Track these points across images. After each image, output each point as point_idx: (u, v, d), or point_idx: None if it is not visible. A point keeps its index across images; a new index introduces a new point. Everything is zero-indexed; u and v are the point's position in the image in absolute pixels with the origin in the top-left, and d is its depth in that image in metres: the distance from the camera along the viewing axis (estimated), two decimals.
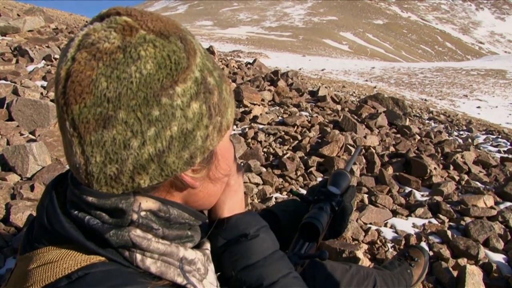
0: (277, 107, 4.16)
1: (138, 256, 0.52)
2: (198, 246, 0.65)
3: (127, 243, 0.51)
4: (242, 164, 2.47)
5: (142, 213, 0.52)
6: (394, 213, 2.15)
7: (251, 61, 8.64)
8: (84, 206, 0.52)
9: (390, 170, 2.69)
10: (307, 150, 2.90)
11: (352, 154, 1.41)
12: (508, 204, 2.25)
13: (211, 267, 0.65)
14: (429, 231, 1.96)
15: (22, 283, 0.50)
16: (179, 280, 0.55)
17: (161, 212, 0.55)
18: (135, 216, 0.52)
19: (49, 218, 0.53)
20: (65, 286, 0.47)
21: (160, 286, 0.53)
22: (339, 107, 4.57)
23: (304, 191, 2.33)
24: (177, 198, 0.60)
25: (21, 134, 2.65)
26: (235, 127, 3.42)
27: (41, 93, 3.47)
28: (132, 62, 0.47)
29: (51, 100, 3.22)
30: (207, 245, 0.67)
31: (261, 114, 3.64)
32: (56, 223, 0.52)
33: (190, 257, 0.58)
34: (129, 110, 0.47)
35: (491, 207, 2.18)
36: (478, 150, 3.67)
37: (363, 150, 3.02)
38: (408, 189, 2.45)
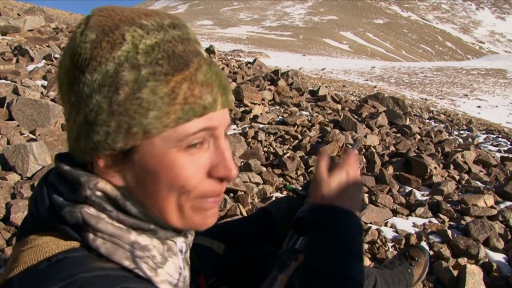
0: (278, 107, 4.15)
1: (90, 236, 0.53)
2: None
3: (78, 220, 0.53)
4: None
5: (97, 192, 0.54)
6: (395, 213, 2.15)
7: (251, 61, 8.64)
8: (56, 181, 0.57)
9: (390, 169, 2.69)
10: (308, 150, 2.90)
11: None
12: (508, 203, 2.25)
13: (175, 261, 0.61)
14: (429, 230, 1.96)
15: (10, 265, 0.54)
16: (127, 263, 0.53)
17: (117, 202, 0.55)
18: (88, 192, 0.54)
19: (37, 206, 0.57)
20: (44, 268, 0.50)
21: (108, 268, 0.52)
22: (339, 106, 4.57)
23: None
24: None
25: (21, 134, 2.65)
26: (235, 126, 3.42)
27: (42, 93, 3.47)
28: (63, 54, 0.57)
29: (52, 100, 3.22)
30: (178, 239, 0.63)
31: (261, 114, 3.64)
32: (43, 211, 0.55)
33: (143, 242, 0.56)
34: (65, 93, 0.56)
35: (492, 207, 2.18)
36: (479, 150, 3.66)
37: (363, 150, 3.02)
38: (408, 189, 2.45)
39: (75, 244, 0.53)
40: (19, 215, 1.73)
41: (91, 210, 0.53)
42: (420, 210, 2.12)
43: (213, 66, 0.58)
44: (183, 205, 0.58)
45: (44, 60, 4.71)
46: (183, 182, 0.56)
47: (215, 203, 0.63)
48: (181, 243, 0.63)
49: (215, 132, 0.58)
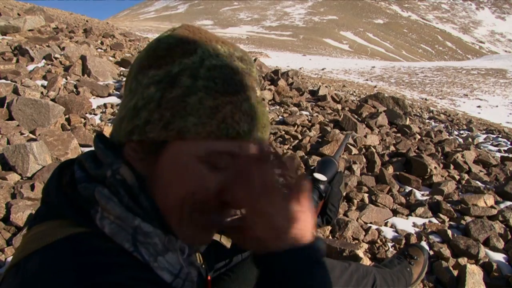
0: (278, 107, 4.15)
1: (98, 215, 0.56)
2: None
3: (90, 197, 0.57)
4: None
5: (117, 176, 0.58)
6: (395, 213, 2.15)
7: None
8: (84, 158, 0.63)
9: (390, 169, 2.69)
10: (308, 150, 2.90)
11: (341, 142, 1.40)
12: (508, 203, 2.25)
13: (175, 254, 0.62)
14: (429, 230, 1.96)
15: (18, 250, 0.57)
16: (127, 245, 0.55)
17: (132, 190, 0.58)
18: (109, 172, 0.59)
19: (49, 194, 0.61)
20: (49, 252, 0.53)
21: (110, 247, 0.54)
22: (339, 106, 4.57)
23: None
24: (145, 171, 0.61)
25: (22, 134, 2.65)
26: None
27: (42, 93, 3.47)
28: (144, 48, 0.65)
29: (52, 100, 3.22)
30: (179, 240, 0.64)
31: None
32: (54, 199, 0.59)
33: (146, 229, 0.58)
34: (130, 80, 0.64)
35: (492, 207, 2.18)
36: (479, 150, 3.66)
37: (364, 150, 3.02)
38: (408, 189, 2.45)
39: (81, 229, 0.55)
40: (19, 215, 1.73)
41: (104, 191, 0.57)
42: (420, 210, 2.12)
43: (261, 104, 0.64)
44: (183, 214, 0.61)
45: (44, 60, 4.71)
46: (194, 189, 0.60)
47: (215, 222, 0.64)
48: (182, 244, 0.64)
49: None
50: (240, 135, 0.60)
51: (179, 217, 0.61)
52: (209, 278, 0.85)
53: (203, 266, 0.84)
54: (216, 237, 1.03)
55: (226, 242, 1.04)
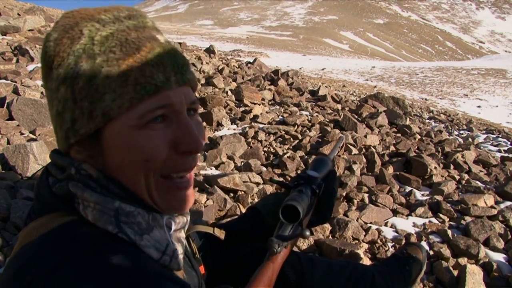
0: (278, 107, 4.15)
1: (81, 206, 0.58)
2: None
3: (67, 192, 0.59)
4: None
5: (82, 172, 0.60)
6: (395, 213, 2.15)
7: (251, 61, 8.63)
8: (50, 167, 0.65)
9: (390, 169, 2.69)
10: (308, 150, 2.90)
11: (335, 144, 1.41)
12: (508, 203, 2.25)
13: (162, 233, 0.63)
14: (429, 230, 1.96)
15: (17, 244, 0.59)
16: (110, 228, 0.56)
17: (100, 182, 0.60)
18: (73, 170, 0.60)
19: (40, 190, 0.63)
20: (42, 241, 0.55)
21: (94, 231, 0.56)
22: (339, 106, 4.57)
23: None
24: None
25: (22, 134, 2.65)
26: (235, 126, 3.42)
27: (42, 93, 3.47)
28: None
29: None
30: (164, 216, 0.65)
31: (261, 114, 3.64)
32: (45, 194, 0.62)
33: (127, 209, 0.59)
34: (44, 91, 0.64)
35: (492, 207, 2.18)
36: (479, 150, 3.66)
37: (364, 150, 3.02)
38: (408, 189, 2.45)
39: (72, 218, 0.58)
40: (19, 215, 1.73)
41: (77, 183, 0.59)
42: (420, 210, 2.12)
43: (168, 48, 0.63)
44: (149, 185, 0.62)
45: None
46: (147, 156, 0.59)
47: (184, 183, 0.66)
48: (167, 219, 0.66)
49: (174, 108, 0.61)
50: (161, 87, 0.59)
51: (147, 190, 0.62)
52: (202, 270, 0.86)
53: (197, 256, 0.85)
54: (209, 229, 1.04)
55: (220, 234, 1.05)
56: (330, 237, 1.86)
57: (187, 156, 0.64)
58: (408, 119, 4.20)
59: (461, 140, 4.58)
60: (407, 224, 2.02)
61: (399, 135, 3.71)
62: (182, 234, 0.71)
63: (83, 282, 0.48)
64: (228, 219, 1.88)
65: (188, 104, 0.64)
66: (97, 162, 0.61)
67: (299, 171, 2.59)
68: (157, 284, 0.52)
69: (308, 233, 0.89)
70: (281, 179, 2.47)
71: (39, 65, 4.46)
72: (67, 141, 0.61)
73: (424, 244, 1.81)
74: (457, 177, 2.68)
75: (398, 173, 2.61)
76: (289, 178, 2.49)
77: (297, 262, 1.11)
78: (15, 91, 3.18)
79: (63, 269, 0.49)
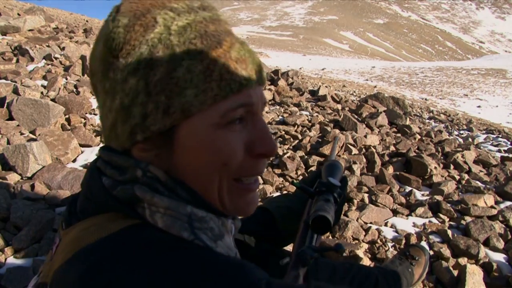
0: (278, 107, 4.15)
1: (147, 211, 0.53)
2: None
3: (133, 197, 0.53)
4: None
5: (149, 174, 0.55)
6: (395, 213, 2.15)
7: None
8: (103, 166, 0.58)
9: (390, 169, 2.69)
10: (308, 150, 2.90)
11: (332, 147, 1.39)
12: (508, 203, 2.25)
13: (229, 238, 0.60)
14: (429, 230, 1.96)
15: (68, 249, 0.52)
16: (186, 234, 0.52)
17: (168, 185, 0.55)
18: (139, 172, 0.54)
19: (91, 189, 0.58)
20: (107, 242, 0.50)
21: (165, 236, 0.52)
22: (339, 106, 4.57)
23: None
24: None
25: (22, 134, 2.65)
26: None
27: (42, 93, 3.47)
28: (96, 42, 0.58)
29: (52, 100, 3.22)
30: (228, 219, 0.63)
31: None
32: (98, 193, 0.56)
33: (199, 214, 0.55)
34: (99, 82, 0.57)
35: (492, 207, 2.18)
36: (479, 150, 3.66)
37: (364, 150, 3.02)
38: (408, 189, 2.45)
39: (135, 221, 0.53)
40: (19, 215, 1.73)
41: (143, 187, 0.54)
42: (420, 210, 2.12)
43: (245, 44, 0.59)
44: (222, 188, 0.58)
45: (44, 60, 4.71)
46: (225, 159, 0.56)
47: (254, 185, 0.63)
48: (231, 224, 0.63)
49: (253, 108, 0.58)
50: (244, 85, 0.55)
51: (218, 194, 0.58)
52: None
53: None
54: (240, 236, 1.03)
55: (250, 241, 1.04)
56: (330, 237, 1.86)
57: (261, 160, 0.60)
58: (408, 119, 4.20)
59: (461, 140, 4.59)
60: (407, 224, 2.02)
61: (399, 135, 3.71)
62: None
63: (176, 274, 0.45)
64: None
65: (263, 105, 0.61)
66: (163, 163, 0.56)
67: (299, 171, 2.59)
68: (247, 271, 0.49)
69: (343, 248, 0.88)
70: (281, 179, 2.47)
71: (39, 65, 4.47)
72: (132, 137, 0.55)
73: (424, 244, 1.81)
74: (457, 177, 2.68)
75: (398, 173, 2.61)
76: (289, 178, 2.49)
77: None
78: (15, 91, 3.18)
79: (143, 271, 0.45)
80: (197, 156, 0.55)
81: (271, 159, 2.75)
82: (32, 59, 4.60)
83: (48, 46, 5.25)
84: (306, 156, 2.78)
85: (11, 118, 2.79)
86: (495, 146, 4.35)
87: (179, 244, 0.51)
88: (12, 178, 2.07)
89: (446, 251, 1.75)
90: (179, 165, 0.56)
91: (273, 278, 0.49)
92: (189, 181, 0.56)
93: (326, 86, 5.73)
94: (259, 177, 2.38)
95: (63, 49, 5.26)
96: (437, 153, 3.10)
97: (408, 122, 4.10)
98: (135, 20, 0.53)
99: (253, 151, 0.58)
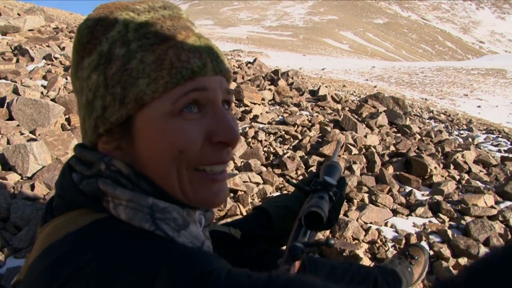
0: (278, 107, 4.15)
1: (111, 204, 0.55)
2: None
3: (97, 190, 0.56)
4: None
5: (112, 167, 0.57)
6: (395, 213, 2.15)
7: (251, 61, 8.63)
8: (74, 163, 0.61)
9: (390, 169, 2.69)
10: (308, 150, 2.90)
11: (335, 149, 1.39)
12: (508, 203, 2.25)
13: (196, 229, 0.61)
14: (429, 230, 1.96)
15: (42, 241, 0.56)
16: (147, 226, 0.54)
17: (131, 179, 0.57)
18: (103, 166, 0.57)
19: (64, 186, 0.60)
20: (77, 236, 0.53)
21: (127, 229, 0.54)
22: (339, 106, 4.57)
23: None
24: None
25: (22, 134, 2.65)
26: None
27: (42, 93, 3.47)
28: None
29: (52, 100, 3.22)
30: (196, 210, 0.63)
31: (261, 114, 3.64)
32: (70, 191, 0.58)
33: (161, 205, 0.56)
34: (73, 83, 0.63)
35: (492, 207, 2.18)
36: (479, 150, 3.66)
37: (364, 150, 3.02)
38: (408, 189, 2.45)
39: (102, 215, 0.55)
40: (19, 215, 1.73)
41: (106, 180, 0.56)
42: (420, 210, 2.12)
43: (203, 37, 0.61)
44: (182, 178, 0.59)
45: (44, 60, 4.71)
46: (180, 147, 0.56)
47: (220, 175, 0.62)
48: (199, 215, 0.64)
49: (210, 96, 0.59)
50: (197, 72, 0.57)
51: (179, 184, 0.59)
52: None
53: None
54: (226, 229, 1.03)
55: (236, 234, 1.04)
56: (330, 237, 1.86)
57: (222, 148, 0.61)
58: (408, 119, 4.19)
59: (461, 140, 4.58)
60: (407, 224, 2.02)
61: (399, 135, 3.71)
62: (207, 232, 0.68)
63: (135, 262, 0.47)
64: (228, 219, 1.88)
65: (224, 94, 0.62)
66: (126, 154, 0.59)
67: (299, 171, 2.59)
68: (205, 259, 0.50)
69: (333, 241, 0.87)
70: (281, 179, 2.47)
71: (39, 65, 4.47)
72: (96, 130, 0.59)
73: (424, 244, 1.81)
74: (457, 177, 2.68)
75: (398, 173, 2.61)
76: (290, 178, 2.49)
77: (301, 264, 1.11)
78: (15, 91, 3.18)
79: (103, 258, 0.48)
80: (153, 145, 0.57)
81: (271, 159, 2.75)
82: (32, 59, 4.60)
83: (48, 46, 5.25)
84: (306, 156, 2.78)
85: (11, 118, 2.79)
86: (495, 146, 4.34)
87: (137, 236, 0.53)
88: (12, 178, 2.07)
89: (446, 251, 1.75)
90: (140, 156, 0.58)
91: (235, 268, 0.50)
92: (150, 172, 0.58)
93: (326, 86, 5.73)
94: (260, 177, 2.38)
95: (63, 49, 5.26)
96: (437, 153, 3.10)
97: (408, 122, 4.10)
98: (98, 21, 0.58)
99: (212, 139, 0.59)
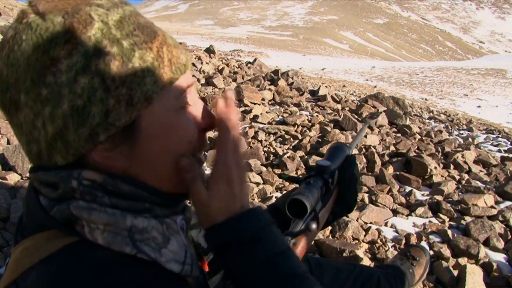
0: (278, 107, 4.15)
1: (86, 229, 0.52)
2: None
3: (70, 216, 0.52)
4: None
5: (84, 182, 0.53)
6: (395, 213, 2.15)
7: (251, 61, 8.63)
8: (38, 185, 0.56)
9: (390, 169, 2.69)
10: (308, 150, 2.90)
11: (360, 131, 1.29)
12: (508, 203, 2.25)
13: (178, 238, 0.59)
14: (429, 230, 1.96)
15: (11, 268, 0.53)
16: (128, 249, 0.52)
17: (108, 186, 0.54)
18: (75, 183, 0.52)
19: (30, 208, 0.57)
20: (47, 266, 0.50)
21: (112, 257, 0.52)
22: (339, 106, 4.57)
23: None
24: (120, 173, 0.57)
25: None
26: None
27: None
28: (17, 48, 0.50)
29: None
30: (177, 217, 0.62)
31: (261, 114, 3.64)
32: (37, 214, 0.55)
33: (140, 225, 0.54)
34: (25, 92, 0.51)
35: (492, 207, 2.18)
36: (479, 150, 3.66)
37: (364, 150, 3.02)
38: (408, 189, 2.45)
39: (74, 239, 0.52)
40: (19, 215, 1.73)
41: (79, 203, 0.52)
42: (420, 210, 2.12)
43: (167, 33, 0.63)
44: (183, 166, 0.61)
45: None
46: (190, 137, 0.60)
47: (204, 158, 0.68)
48: (181, 221, 0.63)
49: (191, 88, 0.63)
50: (186, 66, 0.60)
51: (175, 175, 0.60)
52: (203, 261, 0.83)
53: (199, 248, 0.82)
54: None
55: None
56: (330, 237, 1.86)
57: (205, 134, 0.65)
58: (408, 119, 4.20)
59: (461, 140, 4.58)
60: (407, 224, 2.02)
61: (399, 135, 3.71)
62: (188, 234, 0.68)
63: None
64: None
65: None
66: (125, 161, 0.56)
67: (299, 171, 2.59)
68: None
69: (314, 225, 0.85)
70: (281, 179, 2.47)
71: None
72: (94, 139, 0.52)
73: (424, 244, 1.81)
74: (457, 177, 2.68)
75: (398, 173, 2.61)
76: (282, 173, 2.49)
77: (307, 266, 1.11)
78: None
79: None
80: (163, 141, 0.57)
81: (271, 159, 2.75)
82: None
83: None
84: (306, 156, 2.78)
85: None
86: (495, 146, 4.34)
87: (119, 263, 0.51)
88: (12, 178, 2.07)
89: (446, 251, 1.75)
90: (140, 156, 0.56)
91: None
92: (145, 171, 0.57)
93: (326, 86, 5.73)
94: (260, 177, 2.38)
95: None
96: (437, 153, 3.10)
97: (408, 122, 4.10)
98: (70, 17, 0.50)
99: (200, 125, 0.63)
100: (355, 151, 2.91)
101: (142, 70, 0.53)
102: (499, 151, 4.02)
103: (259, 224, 0.60)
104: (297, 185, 1.03)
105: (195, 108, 0.63)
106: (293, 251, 0.63)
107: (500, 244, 1.82)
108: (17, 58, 0.50)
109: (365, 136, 3.20)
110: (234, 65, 6.89)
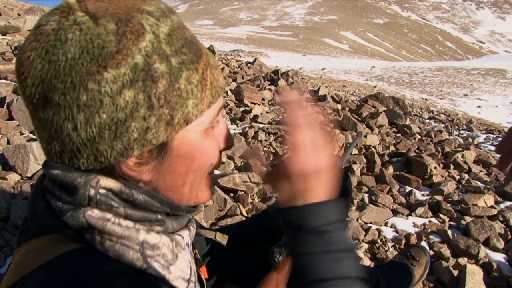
0: (278, 107, 4.15)
1: (97, 238, 0.51)
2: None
3: (83, 224, 0.50)
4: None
5: (101, 191, 0.52)
6: (395, 213, 2.15)
7: (251, 61, 8.64)
8: (51, 186, 0.53)
9: (390, 169, 2.69)
10: None
11: (352, 141, 1.30)
12: (508, 203, 2.25)
13: (185, 255, 0.60)
14: (429, 230, 1.96)
15: (13, 271, 0.53)
16: (139, 264, 0.52)
17: (123, 194, 0.53)
18: (92, 191, 0.51)
19: (36, 211, 0.56)
20: (49, 271, 0.49)
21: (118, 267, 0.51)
22: (339, 106, 4.57)
23: None
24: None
25: (22, 134, 2.65)
26: (235, 126, 3.42)
27: None
28: (60, 45, 0.47)
29: None
30: (184, 233, 0.63)
31: (261, 114, 3.64)
32: (41, 215, 0.54)
33: (152, 241, 0.54)
34: (60, 93, 0.47)
35: (492, 207, 2.18)
36: (479, 150, 3.67)
37: (364, 150, 3.02)
38: (408, 189, 2.45)
39: (78, 245, 0.52)
40: (19, 215, 1.73)
41: (95, 213, 0.51)
42: (420, 210, 2.12)
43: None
44: (197, 182, 0.62)
45: None
46: (213, 159, 0.62)
47: (214, 173, 0.70)
48: (187, 237, 0.64)
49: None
50: (223, 89, 0.59)
51: (192, 189, 0.62)
52: (205, 273, 0.84)
53: (197, 257, 0.83)
54: (211, 234, 1.02)
55: (222, 240, 1.03)
56: None
57: (221, 153, 0.67)
58: (408, 119, 4.20)
59: (461, 140, 4.59)
60: (407, 224, 2.02)
61: (399, 135, 3.71)
62: (191, 248, 0.70)
63: None
64: (229, 219, 1.88)
65: None
66: (151, 177, 0.56)
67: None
68: None
69: None
70: None
71: None
72: (127, 153, 0.51)
73: (424, 244, 1.81)
74: (457, 177, 2.68)
75: (398, 173, 2.61)
76: None
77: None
78: (15, 91, 3.18)
79: None
80: (190, 161, 0.58)
81: (271, 159, 2.75)
82: None
83: None
84: None
85: (11, 118, 2.79)
86: (495, 146, 4.34)
87: (130, 275, 0.52)
88: (12, 178, 2.07)
89: (446, 251, 1.75)
90: (166, 174, 0.57)
91: None
92: (167, 186, 0.58)
93: (326, 86, 5.73)
94: (260, 177, 2.38)
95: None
96: (437, 153, 3.10)
97: (408, 122, 4.11)
98: (123, 26, 0.48)
99: (220, 148, 0.65)
100: (355, 151, 2.91)
101: (187, 92, 0.52)
102: None
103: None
104: None
105: (219, 129, 0.64)
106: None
107: (500, 244, 1.82)
108: (57, 55, 0.47)
109: (365, 136, 3.20)
110: (234, 65, 6.89)
